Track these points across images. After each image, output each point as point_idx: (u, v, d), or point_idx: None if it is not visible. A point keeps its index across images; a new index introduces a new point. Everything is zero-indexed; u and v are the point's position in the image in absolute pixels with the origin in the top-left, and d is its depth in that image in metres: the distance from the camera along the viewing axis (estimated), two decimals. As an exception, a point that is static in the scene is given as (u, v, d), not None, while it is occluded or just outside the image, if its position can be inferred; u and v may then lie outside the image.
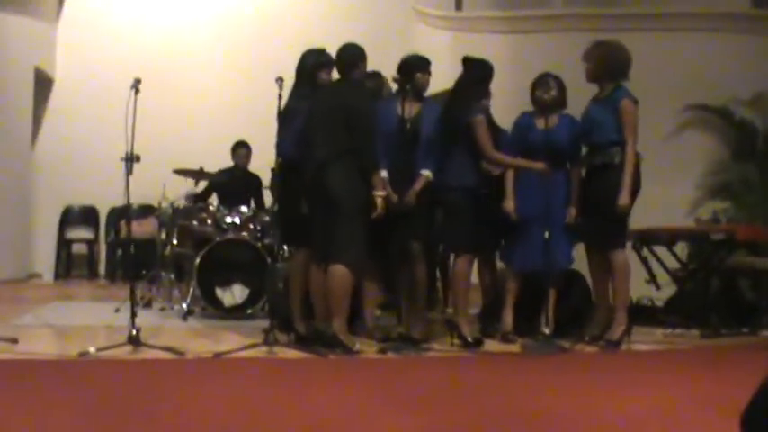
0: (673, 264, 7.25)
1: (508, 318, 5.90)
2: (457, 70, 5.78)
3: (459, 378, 4.59)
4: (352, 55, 5.45)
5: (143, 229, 8.87)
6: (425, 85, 5.74)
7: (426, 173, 5.55)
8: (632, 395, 4.04)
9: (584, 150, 5.90)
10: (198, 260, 6.91)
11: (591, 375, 4.82)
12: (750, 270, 7.30)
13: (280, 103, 5.36)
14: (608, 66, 5.74)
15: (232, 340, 5.57)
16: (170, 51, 10.29)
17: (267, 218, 7.51)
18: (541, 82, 5.87)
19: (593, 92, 5.83)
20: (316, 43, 5.73)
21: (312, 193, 5.32)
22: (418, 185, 5.51)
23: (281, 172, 5.50)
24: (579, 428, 3.27)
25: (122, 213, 8.85)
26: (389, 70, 5.76)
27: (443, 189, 5.63)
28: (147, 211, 9.14)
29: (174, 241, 7.54)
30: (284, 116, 5.44)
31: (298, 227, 5.49)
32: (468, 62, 5.78)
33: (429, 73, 5.76)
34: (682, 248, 7.37)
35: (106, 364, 4.63)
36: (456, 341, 5.60)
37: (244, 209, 7.46)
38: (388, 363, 5.06)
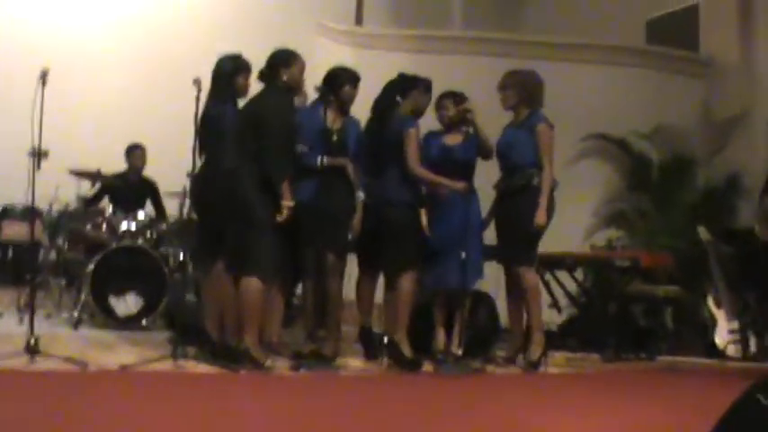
0: (571, 289, 7.34)
1: (440, 337, 5.76)
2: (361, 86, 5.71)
3: (383, 397, 4.44)
4: (274, 58, 5.30)
5: (17, 230, 8.32)
6: (352, 99, 5.66)
7: (360, 195, 5.52)
8: (570, 418, 3.97)
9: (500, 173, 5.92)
10: (91, 266, 6.59)
11: (519, 396, 4.76)
12: (644, 297, 7.49)
13: (197, 106, 5.14)
14: (524, 93, 5.82)
15: (133, 352, 5.27)
16: (79, 46, 9.77)
17: (164, 226, 7.25)
18: (438, 104, 5.86)
19: (493, 113, 5.87)
20: (224, 50, 5.57)
21: (223, 201, 5.14)
22: (359, 210, 5.49)
23: (204, 176, 5.29)
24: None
25: (3, 214, 8.26)
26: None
27: (382, 205, 5.54)
28: (31, 212, 8.61)
29: (64, 246, 7.15)
30: (203, 122, 5.30)
31: (215, 236, 5.28)
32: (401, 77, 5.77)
33: (357, 88, 5.67)
34: (579, 274, 7.46)
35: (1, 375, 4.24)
36: (389, 360, 5.48)
37: (140, 215, 7.17)
38: (303, 380, 4.88)
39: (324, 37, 10.16)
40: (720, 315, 7.23)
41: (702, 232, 7.67)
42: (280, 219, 5.00)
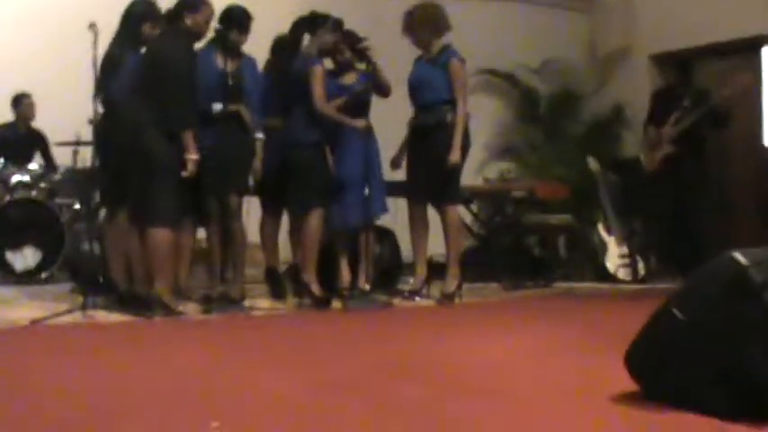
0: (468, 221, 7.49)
1: (345, 274, 5.83)
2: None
3: (295, 334, 4.53)
4: (181, 1, 5.18)
5: None
6: (244, 40, 5.54)
7: (260, 136, 5.46)
8: (483, 343, 4.12)
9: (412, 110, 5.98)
10: None
11: (432, 326, 4.90)
12: (538, 226, 7.76)
13: (96, 52, 5.00)
14: (429, 26, 5.84)
15: (37, 306, 5.15)
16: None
17: (57, 176, 7.04)
18: (335, 48, 5.83)
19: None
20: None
21: (125, 151, 5.08)
22: (259, 151, 5.43)
23: (106, 124, 5.16)
24: (447, 374, 3.26)
25: None
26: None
27: (289, 146, 5.58)
28: None
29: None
30: (106, 64, 5.16)
31: (118, 185, 5.21)
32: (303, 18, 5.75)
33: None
34: (474, 207, 7.64)
35: None
36: (304, 300, 5.55)
37: (33, 166, 6.97)
38: (215, 323, 4.91)
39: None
40: (611, 241, 7.61)
41: (591, 162, 7.99)
42: (186, 174, 4.96)
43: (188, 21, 5.14)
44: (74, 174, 6.91)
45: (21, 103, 7.44)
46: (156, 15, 5.34)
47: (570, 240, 8.24)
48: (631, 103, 8.73)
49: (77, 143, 6.58)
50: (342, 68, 5.87)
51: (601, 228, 7.68)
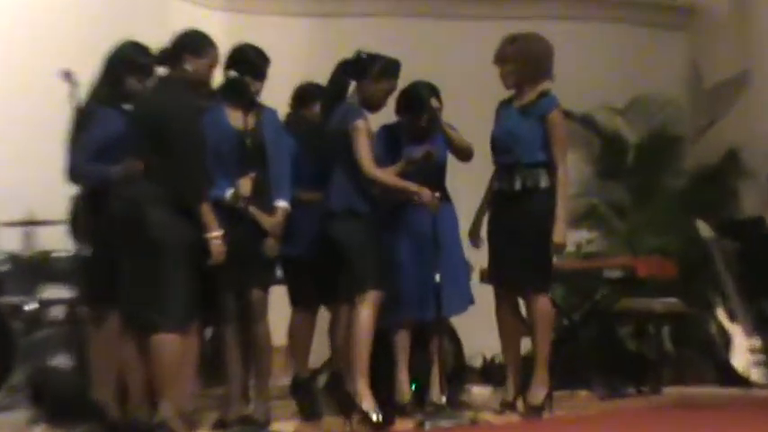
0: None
1: (405, 384, 5.91)
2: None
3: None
4: (181, 41, 5.32)
5: None
6: (261, 88, 5.70)
7: (283, 204, 5.53)
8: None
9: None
10: None
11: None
12: (635, 314, 7.71)
13: (76, 106, 5.31)
14: (529, 66, 5.96)
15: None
16: None
17: (7, 266, 7.06)
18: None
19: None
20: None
21: (119, 233, 5.16)
22: (280, 217, 5.49)
23: (90, 198, 5.33)
24: None
25: None
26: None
27: (328, 218, 5.70)
28: None
29: None
30: (77, 123, 5.35)
31: (109, 277, 5.23)
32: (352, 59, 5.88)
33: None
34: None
35: None
36: (354, 420, 5.55)
37: None
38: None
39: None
40: (736, 331, 7.52)
41: (702, 227, 7.94)
42: (212, 261, 5.04)
43: (189, 66, 5.25)
44: (25, 263, 6.99)
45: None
46: (144, 67, 5.49)
47: (678, 331, 8.24)
48: (749, 145, 8.78)
49: (30, 223, 6.67)
50: (404, 128, 6.05)
51: (721, 313, 7.63)
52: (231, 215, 5.31)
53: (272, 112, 5.70)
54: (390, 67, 5.85)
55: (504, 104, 6.10)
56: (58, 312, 7.02)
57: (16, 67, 7.46)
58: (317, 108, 6.05)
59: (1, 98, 7.19)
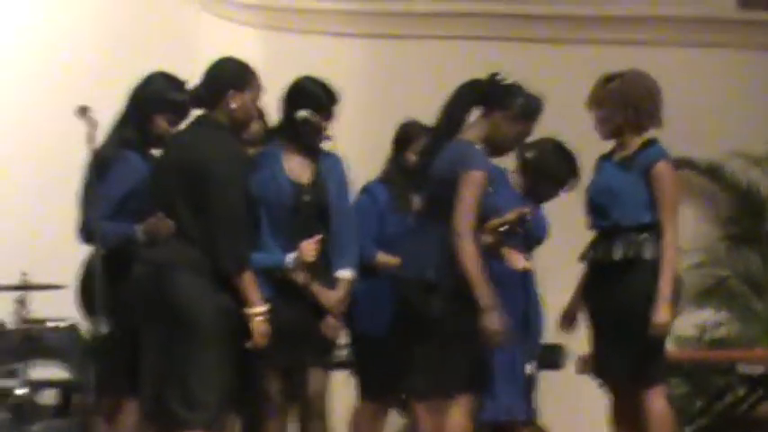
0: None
1: None
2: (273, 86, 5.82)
3: None
4: (220, 74, 5.32)
5: None
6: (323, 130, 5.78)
7: (347, 274, 5.59)
8: None
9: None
10: None
11: None
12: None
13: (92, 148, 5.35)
14: (630, 111, 5.80)
15: None
16: None
17: None
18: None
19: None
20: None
21: (142, 306, 5.14)
22: (341, 293, 5.58)
23: (102, 266, 5.24)
24: None
25: None
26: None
27: (411, 287, 5.49)
28: None
29: None
30: (95, 170, 5.37)
31: (128, 361, 5.23)
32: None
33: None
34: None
35: None
36: None
37: None
38: None
39: (211, 13, 10.14)
40: None
41: None
42: (253, 344, 5.03)
43: (233, 103, 5.23)
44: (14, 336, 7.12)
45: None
46: (177, 104, 5.52)
47: None
48: None
49: (24, 287, 6.78)
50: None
51: None
52: (283, 287, 5.49)
53: (337, 160, 5.82)
54: (534, 107, 5.63)
55: (604, 158, 5.99)
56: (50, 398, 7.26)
57: (23, 104, 7.79)
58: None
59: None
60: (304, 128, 5.59)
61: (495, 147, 5.60)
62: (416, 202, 5.82)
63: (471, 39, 9.47)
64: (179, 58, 6.30)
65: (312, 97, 5.68)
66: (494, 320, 5.31)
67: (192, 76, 5.54)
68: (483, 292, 5.37)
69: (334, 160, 5.75)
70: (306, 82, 5.77)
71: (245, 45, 8.89)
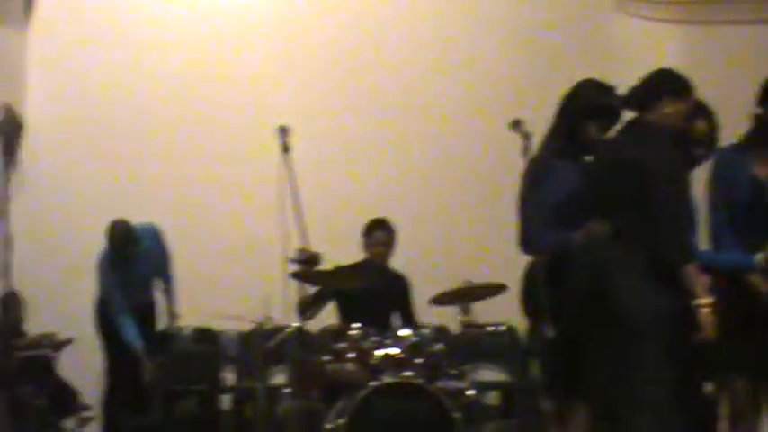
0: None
1: None
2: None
3: None
4: (659, 80, 5.38)
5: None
6: None
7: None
8: None
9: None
10: (342, 421, 6.67)
11: None
12: None
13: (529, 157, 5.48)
14: None
15: None
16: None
17: (440, 344, 7.25)
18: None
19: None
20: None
21: (583, 310, 5.23)
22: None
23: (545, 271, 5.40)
24: None
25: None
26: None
27: None
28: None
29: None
30: (531, 180, 5.53)
31: (574, 365, 5.29)
32: None
33: None
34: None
35: None
36: None
37: (405, 332, 7.27)
38: None
39: (625, 12, 10.12)
40: None
41: None
42: (700, 336, 4.99)
43: (667, 108, 5.29)
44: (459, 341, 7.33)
45: (370, 236, 8.03)
46: (609, 107, 5.57)
47: None
48: None
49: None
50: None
51: None
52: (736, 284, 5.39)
53: None
54: None
55: None
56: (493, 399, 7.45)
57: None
58: None
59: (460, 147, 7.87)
60: None
61: None
62: None
63: None
64: (594, 60, 6.28)
65: None
66: None
67: (607, 76, 5.71)
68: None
69: None
70: None
71: (663, 40, 8.99)
